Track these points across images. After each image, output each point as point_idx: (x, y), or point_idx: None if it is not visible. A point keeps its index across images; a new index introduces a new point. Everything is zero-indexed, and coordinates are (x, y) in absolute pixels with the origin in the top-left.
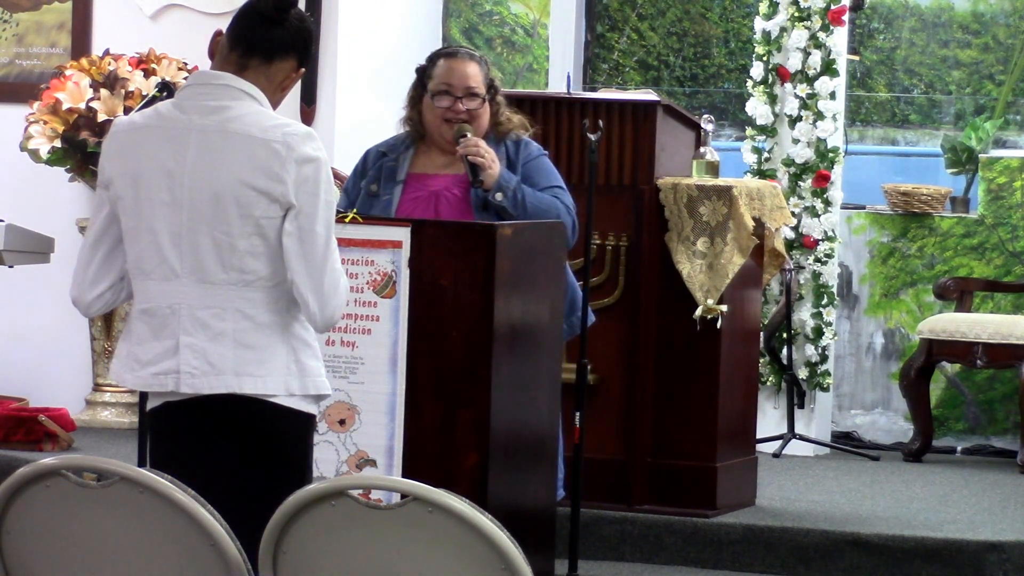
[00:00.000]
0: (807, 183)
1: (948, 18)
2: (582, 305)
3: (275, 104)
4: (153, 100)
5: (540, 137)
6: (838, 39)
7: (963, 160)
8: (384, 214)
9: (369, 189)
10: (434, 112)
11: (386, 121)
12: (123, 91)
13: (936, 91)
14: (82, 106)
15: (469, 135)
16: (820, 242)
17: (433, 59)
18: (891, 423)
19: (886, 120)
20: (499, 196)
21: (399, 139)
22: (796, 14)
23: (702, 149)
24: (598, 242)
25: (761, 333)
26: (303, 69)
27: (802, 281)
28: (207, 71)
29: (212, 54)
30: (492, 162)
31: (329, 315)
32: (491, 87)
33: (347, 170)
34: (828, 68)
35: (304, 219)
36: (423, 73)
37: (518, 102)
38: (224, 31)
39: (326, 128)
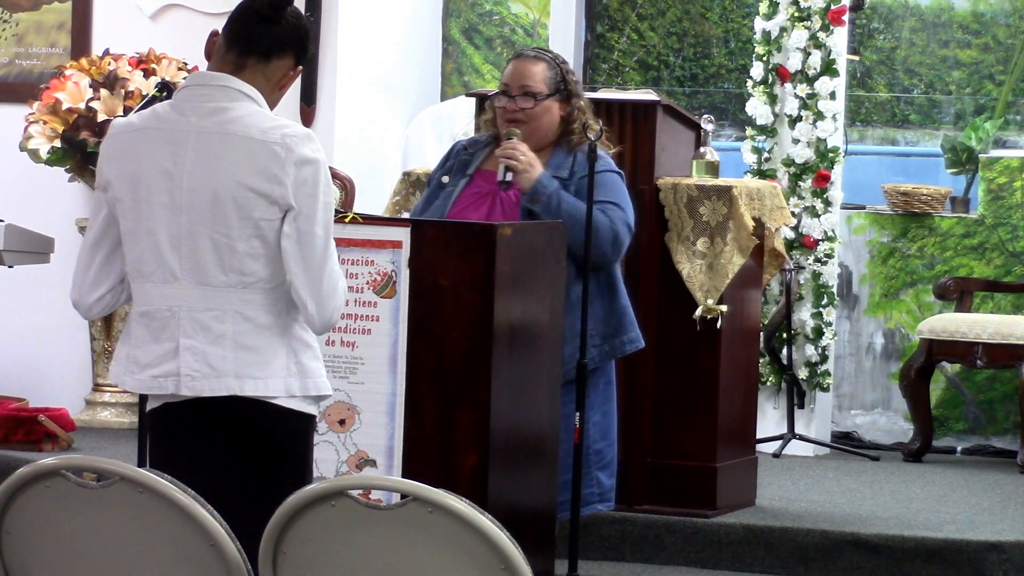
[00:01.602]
0: (807, 183)
1: (948, 18)
2: (582, 307)
3: (273, 103)
4: (153, 100)
5: None
6: (838, 39)
7: (963, 160)
8: (443, 204)
9: (440, 180)
10: (498, 113)
11: (386, 121)
12: (123, 91)
13: (936, 91)
14: (82, 106)
15: (515, 138)
16: (820, 242)
17: (508, 63)
18: (891, 423)
19: (886, 120)
20: (533, 201)
21: (482, 137)
22: (796, 14)
23: (702, 149)
24: None
25: (761, 333)
26: (301, 67)
27: (802, 281)
28: (205, 72)
29: (209, 55)
30: (529, 166)
31: (327, 317)
32: (561, 89)
33: (347, 170)
34: (828, 68)
35: (303, 221)
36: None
37: None
38: (220, 31)
39: (326, 128)
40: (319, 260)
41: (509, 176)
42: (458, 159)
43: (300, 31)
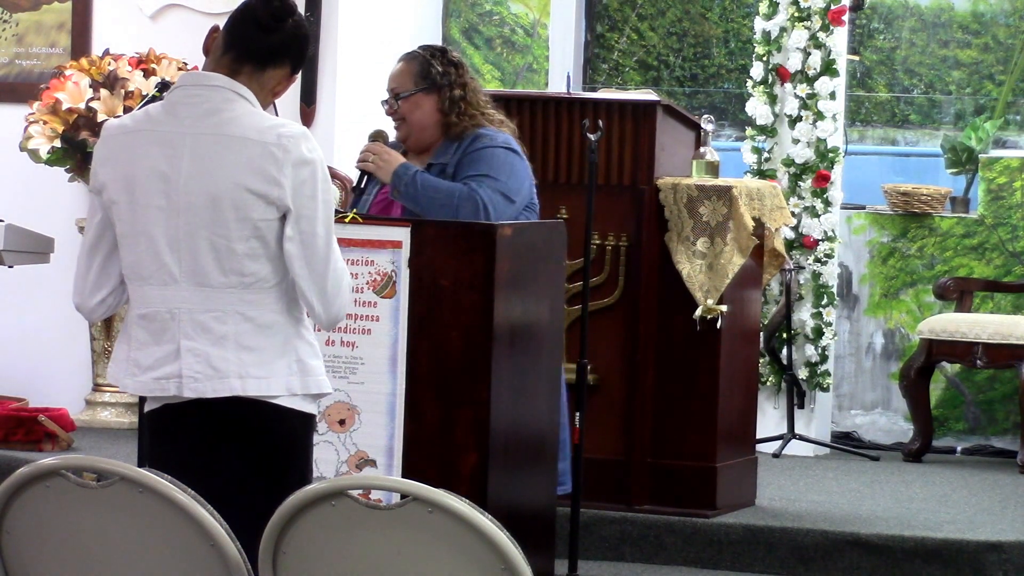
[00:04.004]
0: (807, 183)
1: (948, 18)
2: (583, 305)
3: (265, 107)
4: (153, 100)
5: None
6: (838, 39)
7: (963, 160)
8: (361, 210)
9: (359, 187)
10: None
11: (386, 121)
12: (123, 91)
13: (936, 91)
14: (82, 106)
15: (379, 141)
16: (820, 242)
17: None
18: (891, 423)
19: (886, 120)
20: (394, 193)
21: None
22: (796, 14)
23: (702, 149)
24: (598, 242)
25: (761, 333)
26: (296, 76)
27: (802, 281)
28: (198, 72)
29: (207, 50)
30: (383, 161)
31: (334, 315)
32: (427, 78)
33: (346, 169)
34: (828, 68)
35: (305, 223)
36: None
37: (518, 102)
38: (220, 29)
39: (326, 128)
40: (323, 260)
41: (364, 182)
42: None
43: (299, 40)
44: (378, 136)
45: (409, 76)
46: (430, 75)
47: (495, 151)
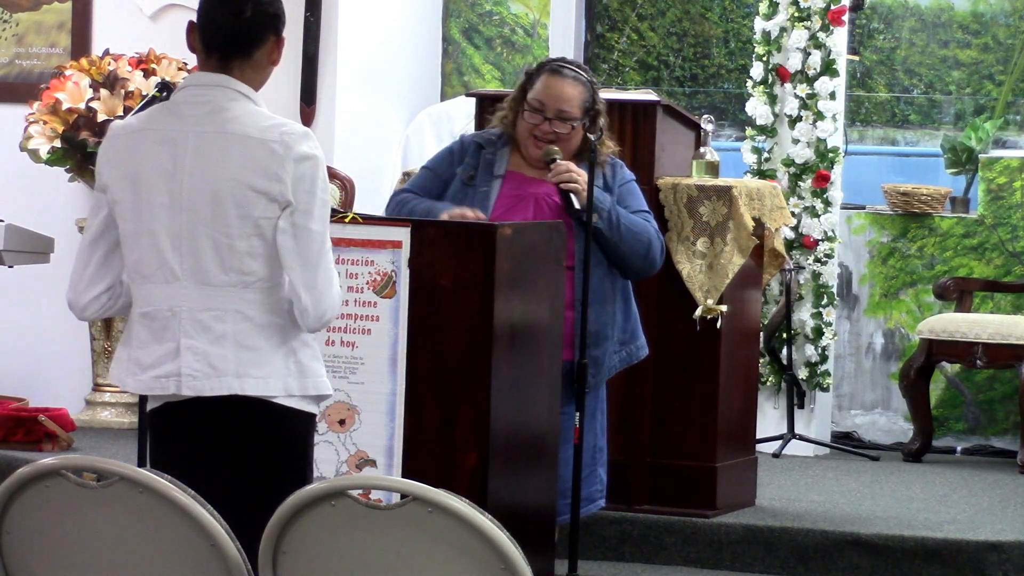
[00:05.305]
0: (807, 183)
1: (948, 18)
2: (581, 309)
3: (267, 77)
4: (153, 100)
5: None
6: (838, 39)
7: (963, 160)
8: (481, 206)
9: (465, 177)
10: (524, 125)
11: (386, 121)
12: (123, 91)
13: (936, 91)
14: (82, 106)
15: (559, 159)
16: (820, 242)
17: (539, 69)
18: (891, 423)
19: (886, 120)
20: (595, 218)
21: (494, 135)
22: (796, 14)
23: (702, 149)
24: None
25: (761, 333)
26: (284, 36)
27: (802, 281)
28: (201, 73)
29: (192, 47)
30: (586, 183)
31: (322, 312)
32: (590, 111)
33: (346, 169)
34: (828, 68)
35: (299, 216)
36: (528, 79)
37: None
38: (195, 22)
39: (326, 128)
40: (315, 256)
41: (576, 203)
42: (478, 158)
43: (269, 11)
44: (553, 156)
45: (578, 104)
46: (593, 107)
47: (635, 185)
